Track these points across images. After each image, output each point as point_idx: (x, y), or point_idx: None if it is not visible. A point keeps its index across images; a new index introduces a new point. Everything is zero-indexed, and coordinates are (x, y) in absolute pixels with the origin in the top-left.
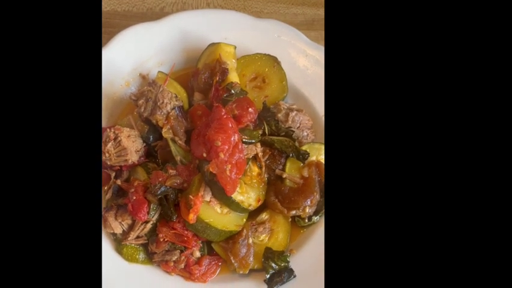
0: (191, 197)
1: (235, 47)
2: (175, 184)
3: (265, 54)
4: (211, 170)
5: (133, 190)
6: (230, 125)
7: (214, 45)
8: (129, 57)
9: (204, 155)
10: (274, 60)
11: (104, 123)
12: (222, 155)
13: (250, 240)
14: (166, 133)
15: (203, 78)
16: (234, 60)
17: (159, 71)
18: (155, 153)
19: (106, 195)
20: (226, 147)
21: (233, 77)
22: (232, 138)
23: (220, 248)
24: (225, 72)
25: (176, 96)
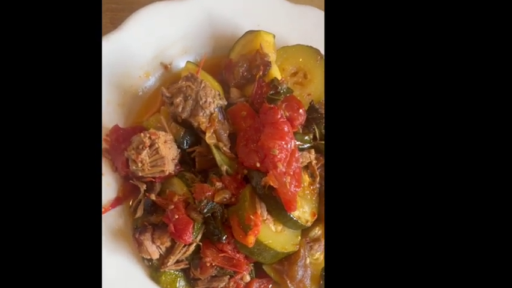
0: (251, 216)
1: (274, 36)
2: (224, 199)
3: (307, 45)
4: (271, 183)
5: (173, 207)
6: (287, 129)
7: (252, 34)
8: (149, 43)
9: (258, 164)
10: (317, 53)
11: (121, 123)
12: (280, 166)
13: (308, 261)
14: (210, 138)
15: (240, 72)
16: (273, 52)
17: (188, 61)
18: (190, 161)
19: (136, 213)
20: (284, 156)
21: (275, 71)
22: (289, 145)
23: (273, 271)
24: (267, 65)
25: (219, 94)
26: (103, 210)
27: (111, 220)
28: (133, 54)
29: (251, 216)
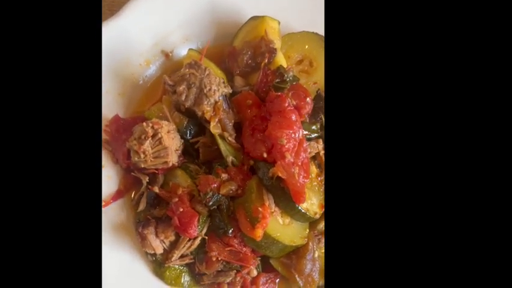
0: (259, 208)
1: (279, 23)
2: (231, 191)
3: (312, 32)
4: (279, 174)
5: (177, 199)
6: (294, 118)
7: (256, 19)
8: (148, 29)
9: (265, 155)
10: (323, 40)
11: (121, 113)
12: (288, 156)
13: (316, 254)
14: (215, 128)
15: (245, 60)
16: (278, 39)
17: (190, 49)
18: (193, 152)
19: (139, 206)
20: (292, 145)
21: (280, 59)
22: (297, 135)
23: (281, 265)
24: (273, 52)
25: (224, 82)
26: (103, 203)
27: (112, 214)
28: (133, 41)
29: (259, 208)
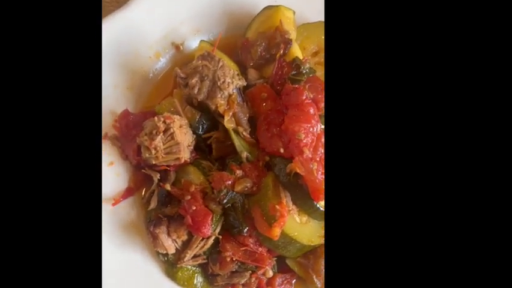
0: (277, 206)
1: (294, 13)
2: (246, 189)
3: None
4: (297, 170)
5: (189, 197)
6: (312, 112)
7: (271, 9)
8: (157, 21)
9: (281, 150)
10: None
11: (131, 107)
12: (307, 151)
13: None
14: (229, 122)
15: (259, 52)
16: (294, 29)
17: (201, 40)
18: (206, 147)
19: (150, 205)
20: (310, 140)
21: (296, 50)
22: (315, 129)
23: (297, 265)
24: (288, 43)
25: (238, 74)
26: (113, 202)
27: (122, 212)
28: (141, 33)
29: (276, 206)
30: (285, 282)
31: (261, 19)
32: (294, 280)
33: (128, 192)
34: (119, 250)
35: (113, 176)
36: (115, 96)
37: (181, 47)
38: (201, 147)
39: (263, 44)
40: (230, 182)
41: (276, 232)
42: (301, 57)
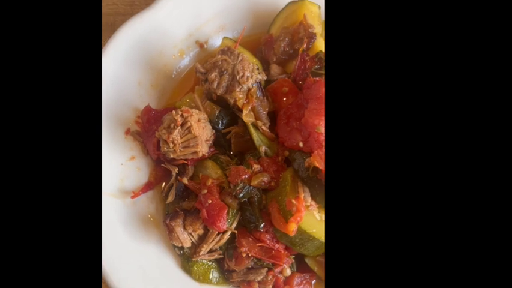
0: (293, 201)
1: (319, 7)
2: (263, 183)
3: None
4: (316, 164)
5: (206, 191)
6: None
7: (295, 4)
8: (183, 20)
9: (301, 144)
10: None
11: (154, 104)
12: None
13: None
14: (247, 116)
15: (282, 47)
16: (319, 24)
17: (224, 37)
18: (225, 143)
19: (168, 198)
20: None
21: (320, 44)
22: None
23: (317, 264)
24: (312, 37)
25: (258, 68)
26: (132, 195)
27: (142, 206)
28: (167, 32)
29: (293, 201)
30: (304, 282)
31: (285, 14)
32: (314, 281)
33: (148, 186)
34: (137, 242)
35: (135, 170)
36: (138, 93)
37: (205, 45)
38: (220, 143)
39: (286, 39)
40: (247, 176)
41: (292, 227)
42: None
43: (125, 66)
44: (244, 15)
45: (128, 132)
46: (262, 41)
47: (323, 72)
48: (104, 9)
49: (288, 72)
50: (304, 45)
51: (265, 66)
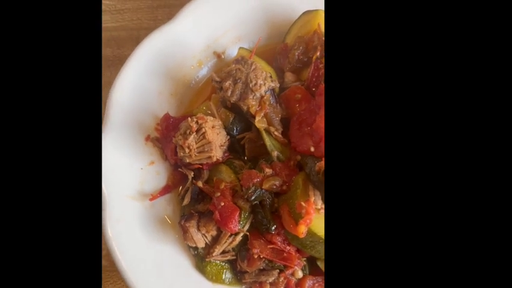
0: (302, 203)
1: None
2: (274, 187)
3: None
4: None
5: (219, 194)
6: None
7: (310, 13)
8: (201, 32)
9: (312, 149)
10: None
11: (173, 112)
12: None
13: None
14: (260, 122)
15: (296, 55)
16: None
17: (241, 47)
18: (240, 148)
19: (184, 201)
20: None
21: None
22: None
23: None
24: None
25: (271, 76)
26: (151, 197)
27: (159, 208)
28: (186, 44)
29: (302, 204)
30: (317, 285)
31: (300, 24)
32: None
33: (166, 190)
34: (154, 242)
35: (154, 174)
36: (158, 102)
37: (222, 55)
38: (235, 148)
39: (301, 47)
40: (258, 180)
41: (302, 229)
42: None
43: (147, 77)
44: (260, 26)
45: (148, 138)
46: (278, 50)
47: None
48: (129, 24)
49: (302, 80)
50: (318, 53)
51: (281, 74)
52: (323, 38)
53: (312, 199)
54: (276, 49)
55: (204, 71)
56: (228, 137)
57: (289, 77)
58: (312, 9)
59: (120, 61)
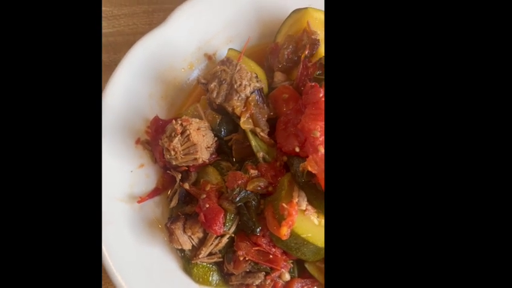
0: (284, 205)
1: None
2: (259, 188)
3: None
4: (309, 169)
5: (204, 196)
6: None
7: (299, 12)
8: (192, 35)
9: (297, 149)
10: None
11: (163, 115)
12: (322, 150)
13: None
14: (245, 123)
15: (286, 54)
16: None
17: (230, 48)
18: (228, 150)
19: (171, 203)
20: None
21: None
22: None
23: (317, 270)
24: (315, 44)
25: (256, 76)
26: (139, 199)
27: (148, 210)
28: (177, 47)
29: (284, 205)
30: None
31: (290, 22)
32: (316, 287)
33: (155, 192)
34: (142, 244)
35: (143, 177)
36: (149, 105)
37: (213, 57)
38: (223, 150)
39: (290, 46)
40: (243, 181)
41: (284, 231)
42: None
43: (138, 80)
44: (251, 26)
45: (138, 141)
46: (268, 49)
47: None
48: (125, 29)
49: (292, 79)
50: (306, 52)
51: (271, 74)
52: (312, 36)
53: (296, 200)
54: (267, 49)
55: (195, 74)
56: (216, 138)
57: (278, 76)
58: (302, 7)
59: (117, 66)
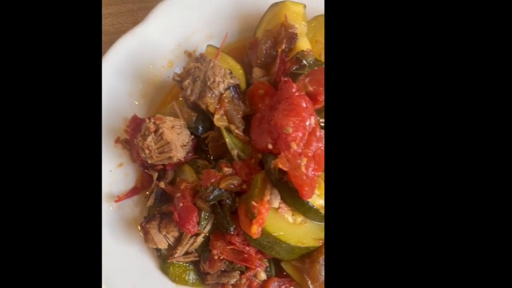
0: (253, 203)
1: (304, 6)
2: (232, 186)
3: None
4: (280, 166)
5: (179, 195)
6: (304, 105)
7: (277, 5)
8: (172, 32)
9: (270, 146)
10: None
11: (143, 114)
12: (294, 146)
13: None
14: (219, 120)
15: (264, 49)
16: (304, 23)
17: (208, 45)
18: (205, 148)
19: (148, 202)
20: (300, 134)
21: (304, 43)
22: (307, 123)
23: (292, 269)
24: (293, 38)
25: (230, 73)
26: (116, 199)
27: (127, 209)
28: (156, 44)
29: (253, 203)
30: (282, 287)
31: (269, 17)
32: (293, 287)
33: (133, 191)
34: (119, 243)
35: (122, 176)
36: (129, 104)
37: (193, 54)
38: (201, 148)
39: (268, 41)
40: (217, 180)
41: (254, 229)
42: (311, 50)
43: (117, 79)
44: (231, 22)
45: (118, 140)
46: (248, 45)
47: (303, 72)
48: (110, 28)
49: (270, 75)
50: (284, 46)
51: (250, 69)
52: (290, 30)
53: (267, 198)
54: (246, 44)
55: (175, 71)
56: (192, 136)
57: (257, 72)
58: (280, 0)
59: None
